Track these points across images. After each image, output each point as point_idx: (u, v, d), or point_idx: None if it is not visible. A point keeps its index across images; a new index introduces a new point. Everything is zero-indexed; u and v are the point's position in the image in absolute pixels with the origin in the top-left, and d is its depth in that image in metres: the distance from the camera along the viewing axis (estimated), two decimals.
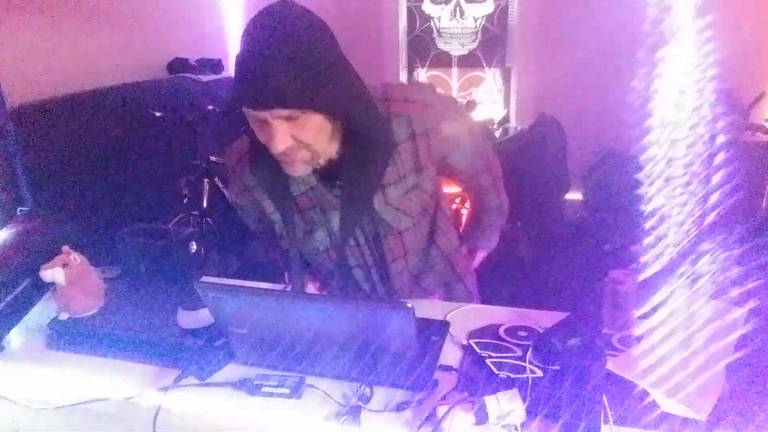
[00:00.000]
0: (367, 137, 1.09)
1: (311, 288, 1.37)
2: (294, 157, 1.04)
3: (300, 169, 1.07)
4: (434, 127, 1.15)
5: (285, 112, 0.96)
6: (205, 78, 3.74)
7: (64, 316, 1.18)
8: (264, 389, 0.96)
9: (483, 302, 1.38)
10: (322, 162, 1.11)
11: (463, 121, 1.30)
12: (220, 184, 3.24)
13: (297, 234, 1.22)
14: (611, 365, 0.95)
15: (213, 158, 3.23)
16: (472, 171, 1.32)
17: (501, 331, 1.13)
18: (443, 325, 1.15)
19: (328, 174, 1.15)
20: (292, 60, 0.91)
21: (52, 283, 1.16)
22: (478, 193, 1.41)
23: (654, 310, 1.09)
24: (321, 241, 1.23)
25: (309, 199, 1.18)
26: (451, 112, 1.25)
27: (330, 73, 0.96)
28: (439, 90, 1.32)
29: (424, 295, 1.34)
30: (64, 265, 1.16)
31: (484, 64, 4.08)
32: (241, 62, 0.95)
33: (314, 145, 1.03)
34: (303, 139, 1.00)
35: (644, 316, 1.12)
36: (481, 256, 1.49)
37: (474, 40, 4.04)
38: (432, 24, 4.06)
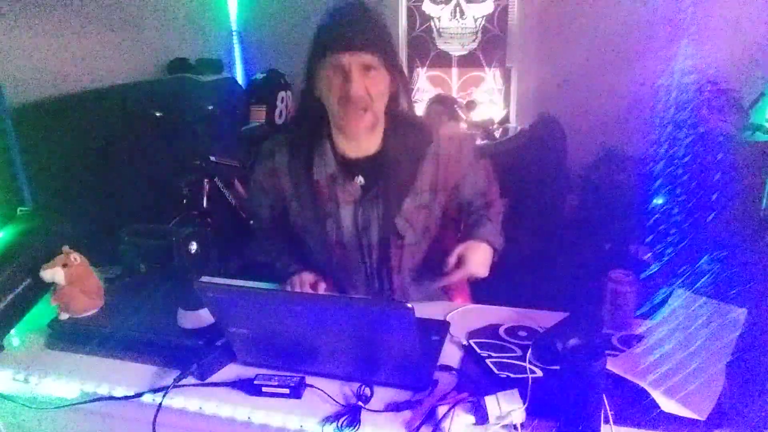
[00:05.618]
0: (409, 128, 1.25)
1: (307, 282, 1.36)
2: (360, 113, 1.17)
3: (361, 127, 1.19)
4: (456, 155, 1.28)
5: (365, 58, 1.12)
6: (205, 78, 3.73)
7: (64, 316, 1.18)
8: (264, 389, 0.96)
9: (483, 302, 1.38)
10: (372, 149, 1.24)
11: (478, 154, 1.40)
12: (220, 184, 3.23)
13: (310, 217, 1.30)
14: (611, 365, 0.95)
15: (213, 158, 3.23)
16: (474, 195, 1.39)
17: (501, 331, 1.13)
18: (443, 325, 1.15)
19: (349, 168, 1.25)
20: (371, 13, 1.15)
21: (52, 283, 1.16)
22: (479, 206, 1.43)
23: (654, 310, 1.09)
24: (329, 232, 1.30)
25: (327, 189, 1.27)
26: (473, 144, 1.42)
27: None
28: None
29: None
30: (64, 265, 1.16)
31: (484, 64, 4.07)
32: (331, 13, 1.15)
33: (376, 104, 1.18)
34: (372, 92, 1.15)
35: (644, 316, 1.12)
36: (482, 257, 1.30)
37: (474, 40, 4.04)
38: (432, 24, 4.06)
